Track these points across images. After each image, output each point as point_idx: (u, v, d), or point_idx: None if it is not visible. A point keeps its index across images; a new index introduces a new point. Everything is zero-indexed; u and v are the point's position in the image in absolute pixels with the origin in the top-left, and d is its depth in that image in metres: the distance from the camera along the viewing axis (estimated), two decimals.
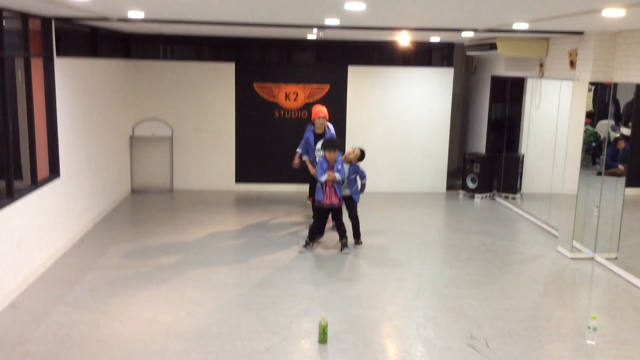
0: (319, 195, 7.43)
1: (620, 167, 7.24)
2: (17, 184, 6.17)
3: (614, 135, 7.38)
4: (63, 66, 7.28)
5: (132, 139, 10.55)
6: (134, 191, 10.64)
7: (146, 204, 9.83)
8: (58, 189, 7.11)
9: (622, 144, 7.31)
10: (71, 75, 7.56)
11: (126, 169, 10.40)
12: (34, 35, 6.69)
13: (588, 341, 5.15)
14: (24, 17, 6.38)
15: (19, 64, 6.46)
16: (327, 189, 7.37)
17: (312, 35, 9.43)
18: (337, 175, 7.32)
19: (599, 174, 7.42)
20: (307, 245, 7.56)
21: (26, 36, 6.43)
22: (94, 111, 8.47)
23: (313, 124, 8.24)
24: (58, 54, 7.14)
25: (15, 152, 6.45)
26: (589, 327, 5.15)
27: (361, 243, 7.78)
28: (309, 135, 8.25)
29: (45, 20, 6.86)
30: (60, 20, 7.06)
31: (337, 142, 7.51)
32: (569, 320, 5.67)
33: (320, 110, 8.18)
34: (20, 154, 6.63)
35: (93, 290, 6.11)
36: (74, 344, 4.95)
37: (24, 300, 5.82)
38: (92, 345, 4.94)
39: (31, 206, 6.36)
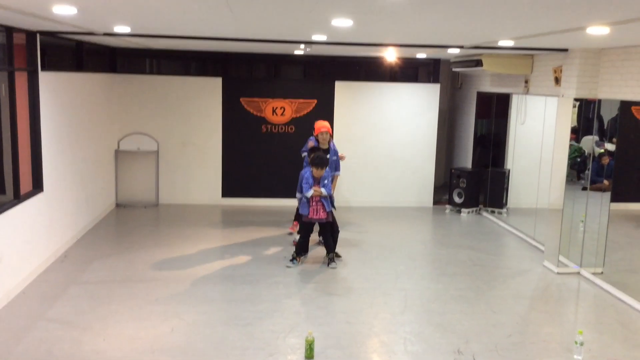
0: (304, 210, 7.46)
1: (605, 182, 7.30)
2: None
3: (599, 150, 7.45)
4: (48, 80, 7.22)
5: (118, 153, 10.48)
6: (118, 205, 10.54)
7: (131, 219, 9.74)
8: (41, 204, 7.02)
9: (606, 160, 7.38)
10: (56, 89, 7.50)
11: (111, 183, 10.31)
12: (19, 49, 6.64)
13: (575, 356, 5.15)
14: (9, 30, 6.34)
15: (2, 78, 6.40)
16: (315, 203, 7.42)
17: (299, 51, 9.45)
18: (323, 191, 7.40)
19: (584, 189, 7.47)
20: (293, 260, 7.53)
21: (10, 50, 6.38)
22: (78, 125, 8.40)
23: (316, 138, 8.19)
24: (43, 68, 7.08)
25: None
26: (576, 342, 5.15)
27: (340, 256, 7.80)
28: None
29: (30, 34, 6.82)
30: (45, 34, 7.02)
31: (326, 160, 7.59)
32: (556, 335, 5.67)
33: (324, 125, 8.13)
34: (3, 168, 6.55)
35: (76, 305, 6.01)
36: None
37: (5, 316, 5.71)
38: None
39: (14, 221, 6.27)
